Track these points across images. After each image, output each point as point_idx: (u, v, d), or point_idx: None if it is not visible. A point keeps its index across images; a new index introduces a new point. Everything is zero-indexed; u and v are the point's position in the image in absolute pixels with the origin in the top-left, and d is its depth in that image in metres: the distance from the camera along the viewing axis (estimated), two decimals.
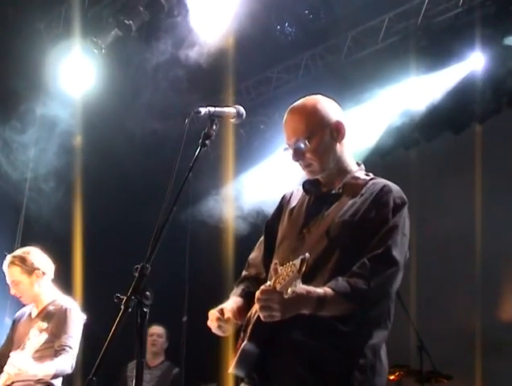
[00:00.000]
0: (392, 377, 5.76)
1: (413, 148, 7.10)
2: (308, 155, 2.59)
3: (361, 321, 2.36)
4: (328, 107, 2.66)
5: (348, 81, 6.87)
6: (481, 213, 6.27)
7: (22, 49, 6.33)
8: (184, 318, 6.31)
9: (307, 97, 2.69)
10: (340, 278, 2.33)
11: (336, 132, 2.62)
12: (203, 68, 6.04)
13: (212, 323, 2.51)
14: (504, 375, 6.08)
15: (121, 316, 2.07)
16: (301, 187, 2.72)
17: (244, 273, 2.79)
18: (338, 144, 2.63)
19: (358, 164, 2.72)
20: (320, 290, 2.28)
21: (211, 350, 5.69)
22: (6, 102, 6.70)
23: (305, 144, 2.57)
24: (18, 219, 6.87)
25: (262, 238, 2.81)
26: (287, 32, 7.46)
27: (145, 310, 2.11)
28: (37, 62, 6.30)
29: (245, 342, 2.38)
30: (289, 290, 2.14)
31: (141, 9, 6.20)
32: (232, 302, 2.58)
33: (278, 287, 2.18)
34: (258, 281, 2.63)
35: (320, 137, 2.58)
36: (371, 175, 2.66)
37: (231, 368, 2.39)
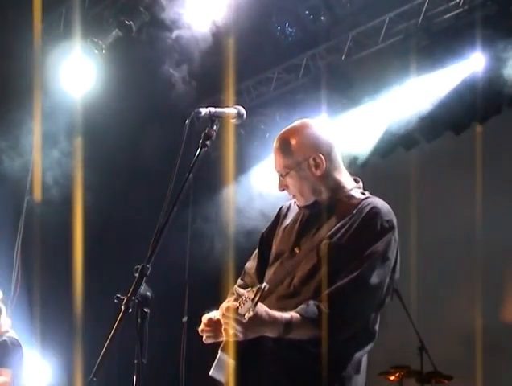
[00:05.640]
0: (392, 378, 5.76)
1: (413, 148, 7.09)
2: (288, 188, 2.64)
3: (333, 343, 2.36)
4: (311, 137, 2.62)
5: (348, 82, 6.87)
6: (481, 213, 6.26)
7: (22, 49, 6.32)
8: (184, 319, 6.28)
9: (295, 125, 2.67)
10: (311, 302, 2.37)
11: (314, 167, 2.59)
12: (203, 68, 6.04)
13: (201, 332, 2.63)
14: (504, 375, 6.08)
15: (121, 316, 2.08)
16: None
17: (239, 281, 2.84)
18: (320, 174, 2.59)
19: (357, 181, 2.70)
20: (286, 315, 2.33)
21: (211, 350, 5.67)
22: (6, 102, 6.70)
23: (283, 179, 2.62)
24: (19, 220, 6.85)
25: (256, 250, 2.83)
26: (288, 32, 7.47)
27: (145, 310, 2.11)
28: (37, 62, 6.30)
29: (220, 352, 2.49)
30: (245, 316, 2.24)
31: (141, 9, 6.20)
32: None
33: (240, 309, 2.28)
34: None
35: (294, 174, 2.60)
36: (367, 194, 2.64)
37: (211, 371, 2.50)
